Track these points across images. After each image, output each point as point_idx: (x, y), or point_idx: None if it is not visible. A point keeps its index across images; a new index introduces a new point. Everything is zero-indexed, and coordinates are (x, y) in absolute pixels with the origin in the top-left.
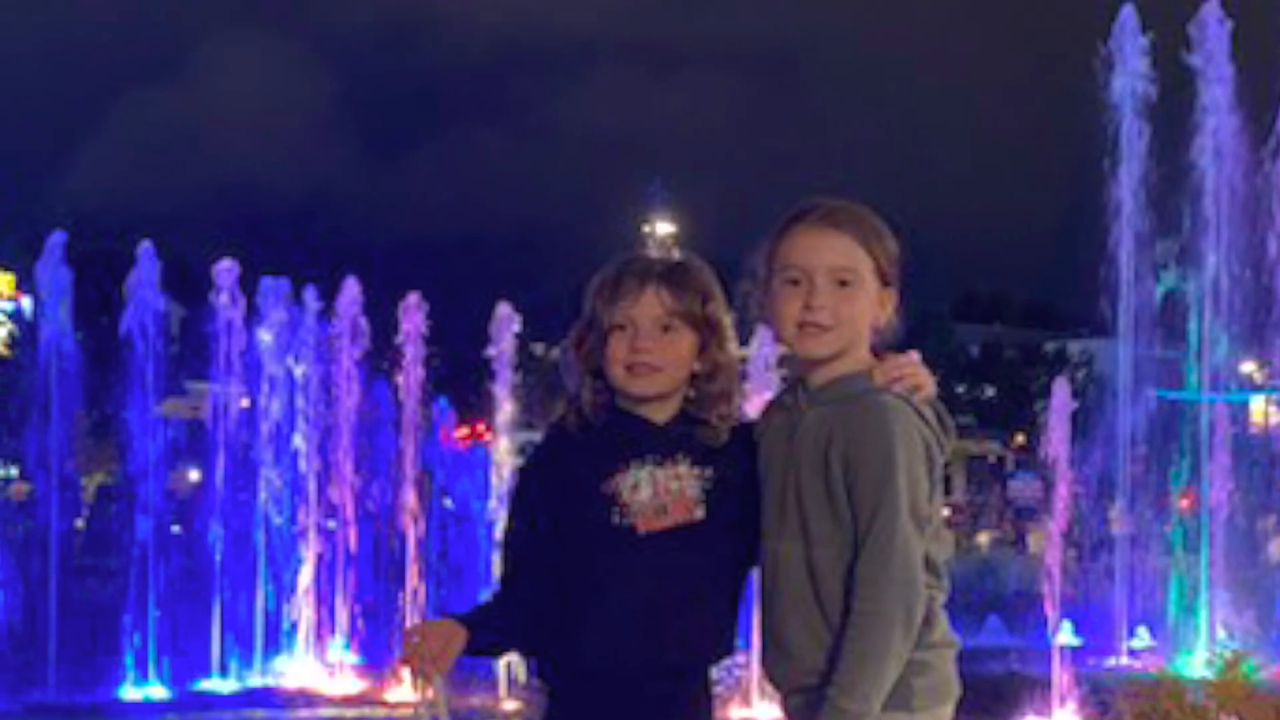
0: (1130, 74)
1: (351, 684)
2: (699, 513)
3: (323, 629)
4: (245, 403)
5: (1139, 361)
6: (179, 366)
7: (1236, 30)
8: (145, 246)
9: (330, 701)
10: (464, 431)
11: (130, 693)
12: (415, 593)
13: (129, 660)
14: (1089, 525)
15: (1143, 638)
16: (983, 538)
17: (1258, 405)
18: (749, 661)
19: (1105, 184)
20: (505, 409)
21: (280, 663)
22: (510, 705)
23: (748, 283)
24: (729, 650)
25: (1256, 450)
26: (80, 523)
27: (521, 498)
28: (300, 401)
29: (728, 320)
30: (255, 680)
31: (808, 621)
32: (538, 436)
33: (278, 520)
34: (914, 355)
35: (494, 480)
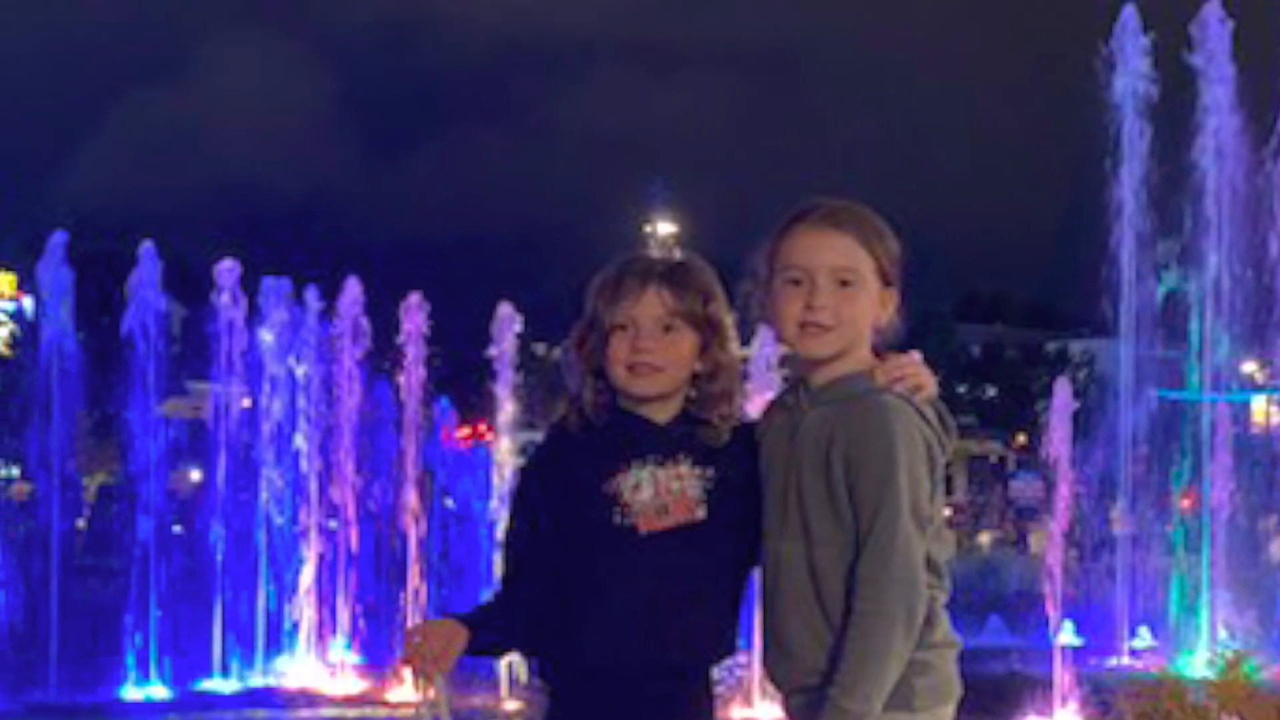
0: (1131, 74)
1: (353, 684)
2: (700, 513)
3: (324, 629)
4: (247, 403)
5: (1140, 361)
6: (180, 366)
7: (1238, 30)
8: (146, 246)
9: (332, 701)
10: (465, 431)
11: (132, 693)
12: (417, 593)
13: (130, 660)
14: (1090, 525)
15: (1144, 638)
16: (984, 538)
17: (1259, 405)
18: (750, 661)
19: (1107, 184)
20: (507, 409)
21: (282, 663)
22: (511, 705)
23: (749, 283)
24: (730, 650)
25: (1258, 450)
26: (82, 523)
27: (523, 498)
28: (302, 401)
29: (729, 320)
30: (257, 680)
31: (809, 621)
32: (539, 436)
33: (279, 520)
34: (915, 355)
35: (495, 480)
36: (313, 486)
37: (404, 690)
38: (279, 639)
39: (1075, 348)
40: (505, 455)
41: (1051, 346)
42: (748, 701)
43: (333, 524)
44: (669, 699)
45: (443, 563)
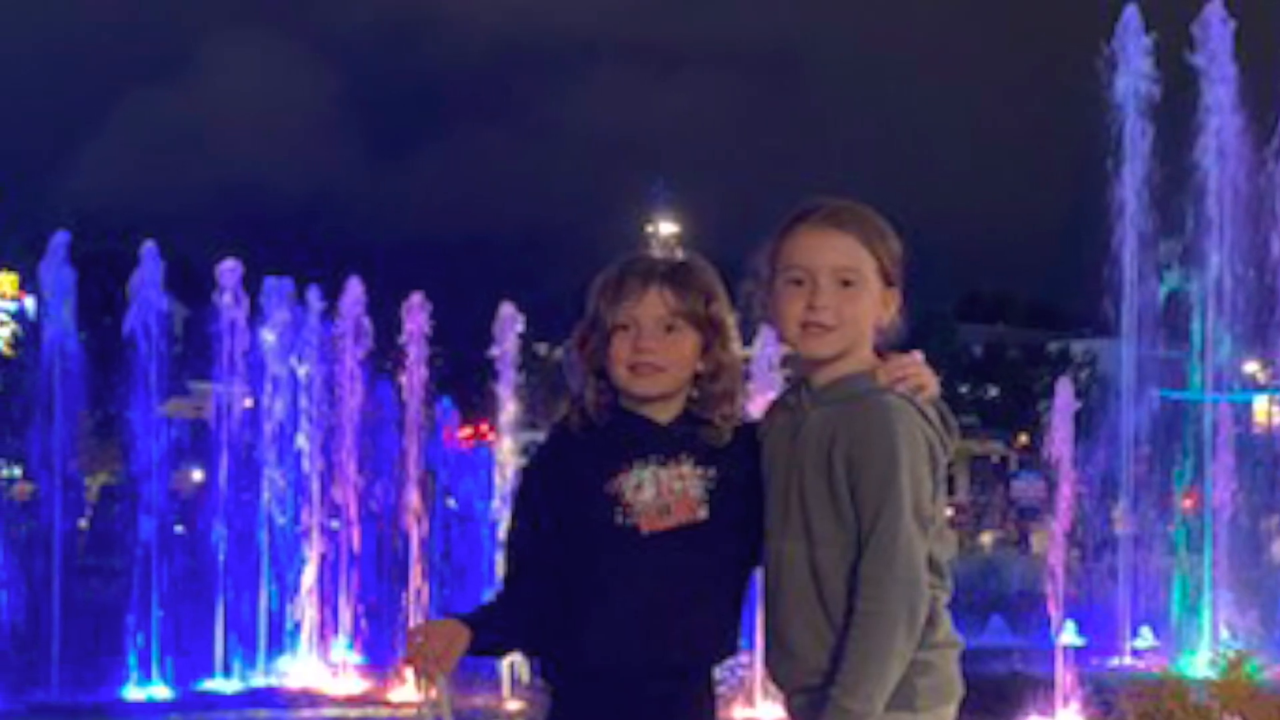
0: (1133, 74)
1: (355, 684)
2: (702, 513)
3: (326, 629)
4: (248, 403)
5: (1142, 361)
6: (182, 366)
7: (1240, 30)
8: (148, 246)
9: (333, 701)
10: (467, 431)
11: (133, 693)
12: (418, 593)
13: (132, 660)
14: (1092, 525)
15: (1146, 638)
16: (986, 538)
17: (1261, 405)
18: (752, 661)
19: (1109, 184)
20: (508, 409)
21: (283, 663)
22: (513, 705)
23: (751, 283)
24: (732, 650)
25: (1260, 450)
26: (84, 523)
27: (524, 498)
28: (303, 401)
29: (731, 320)
30: (258, 680)
31: (811, 621)
32: (541, 436)
33: (281, 520)
34: (917, 355)
35: (497, 480)
36: (315, 486)
37: (406, 690)
38: (281, 639)
39: (1077, 348)
40: (507, 455)
41: (1053, 346)
42: (750, 701)
43: (335, 524)
44: (671, 699)
45: (445, 563)
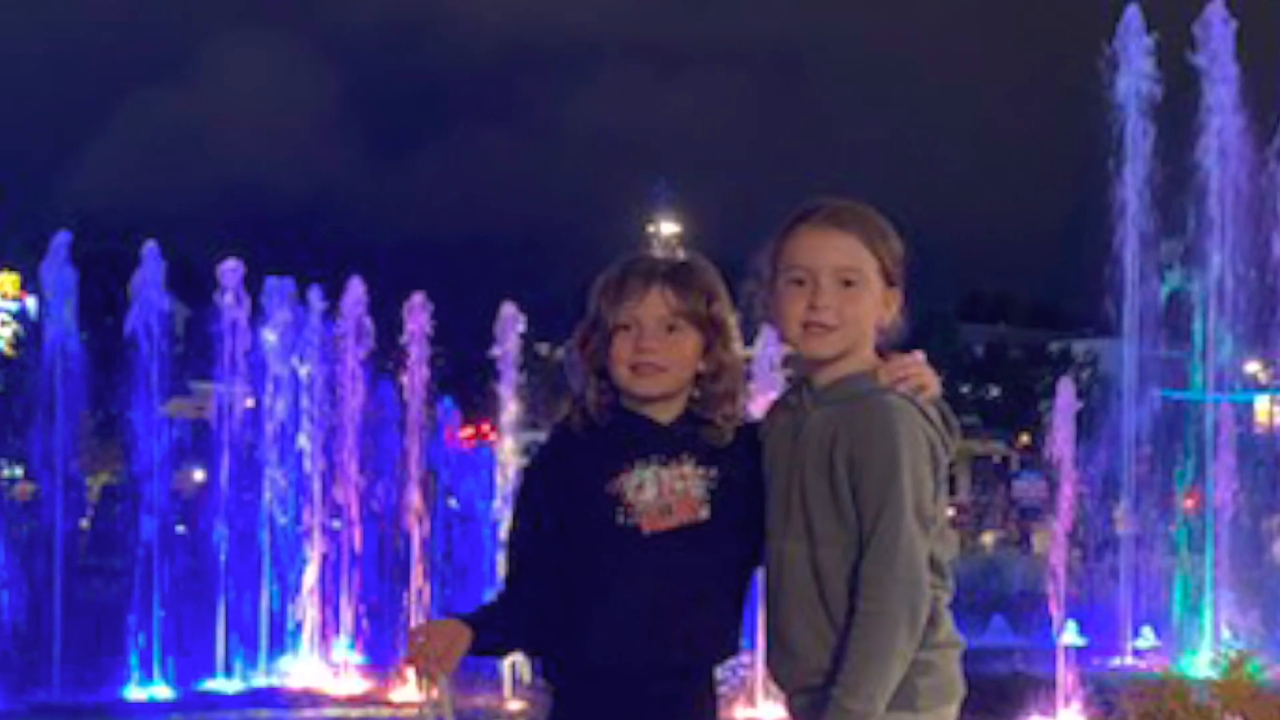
0: (1135, 74)
1: (356, 684)
2: (704, 513)
3: (327, 629)
4: (250, 403)
5: (1144, 361)
6: (184, 366)
7: (1241, 30)
8: (150, 246)
9: (335, 701)
10: (469, 431)
11: (135, 693)
12: (420, 593)
13: (134, 660)
14: (1094, 525)
15: (1147, 638)
16: (987, 538)
17: (1262, 405)
18: (754, 661)
19: (1110, 184)
20: (510, 409)
21: (285, 663)
22: (515, 705)
23: (752, 282)
24: (734, 650)
25: (1261, 450)
26: (85, 523)
27: (526, 498)
28: (305, 401)
29: (732, 320)
30: (260, 680)
31: (812, 621)
32: (542, 436)
33: (282, 520)
34: (919, 355)
35: (499, 480)
36: (316, 486)
37: (407, 690)
38: (282, 639)
39: (1079, 348)
40: (508, 455)
41: (1055, 346)
42: (751, 701)
43: (336, 524)
44: (672, 699)
45: (446, 563)
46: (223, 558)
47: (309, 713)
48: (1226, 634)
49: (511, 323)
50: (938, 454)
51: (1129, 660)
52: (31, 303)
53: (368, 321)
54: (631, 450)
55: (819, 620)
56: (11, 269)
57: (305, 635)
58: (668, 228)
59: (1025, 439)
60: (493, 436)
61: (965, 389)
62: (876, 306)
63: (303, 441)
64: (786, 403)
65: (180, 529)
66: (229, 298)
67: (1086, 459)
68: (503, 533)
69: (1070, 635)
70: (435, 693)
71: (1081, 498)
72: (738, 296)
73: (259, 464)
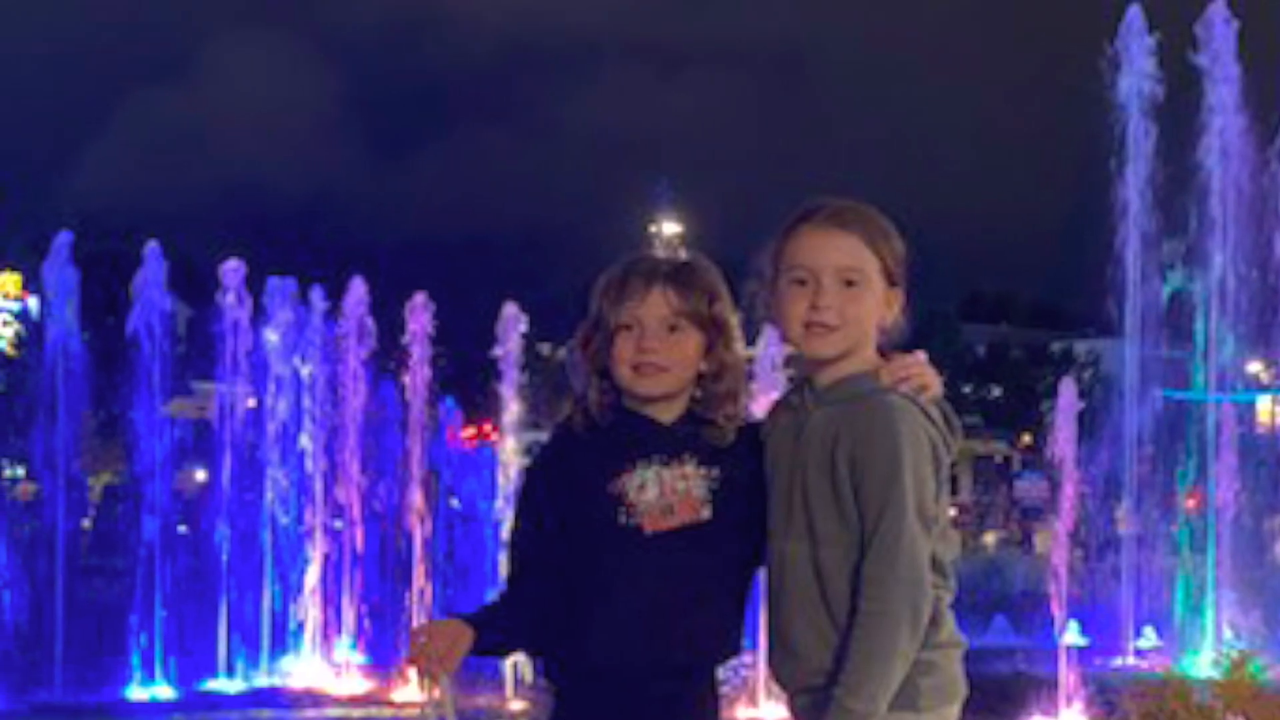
0: (1137, 74)
1: (358, 684)
2: (705, 513)
3: (329, 629)
4: (252, 403)
5: (1145, 361)
6: (185, 366)
7: (1243, 30)
8: (152, 246)
9: (337, 701)
10: (470, 431)
11: (136, 693)
12: (422, 593)
13: (135, 660)
14: (1095, 525)
15: (1149, 638)
16: (989, 538)
17: (1264, 405)
18: (756, 661)
19: (1112, 184)
20: (512, 409)
21: (287, 663)
22: (516, 705)
23: (754, 282)
24: (735, 650)
25: (1263, 450)
26: (87, 523)
27: (528, 498)
28: (307, 401)
29: (734, 320)
30: (262, 680)
31: (814, 621)
32: (544, 436)
33: (284, 520)
34: (920, 355)
35: (500, 480)
36: (318, 486)
37: (409, 690)
38: (284, 639)
39: (1080, 348)
40: (510, 455)
41: (1057, 346)
42: (753, 701)
43: (338, 524)
44: (674, 699)
45: (448, 563)
46: (224, 558)
47: (311, 713)
48: (1228, 634)
49: (513, 323)
50: (939, 454)
51: (1131, 660)
52: (33, 303)
53: (369, 321)
54: (633, 450)
55: (821, 620)
56: (13, 269)
57: (307, 635)
58: (669, 228)
59: (1027, 439)
60: (494, 436)
61: (967, 389)
62: (878, 306)
63: (304, 441)
64: (788, 403)
65: (182, 529)
66: (231, 298)
67: (1088, 459)
68: (504, 533)
69: (1072, 635)
70: (437, 693)
71: (1083, 498)
72: (739, 296)
73: (261, 464)
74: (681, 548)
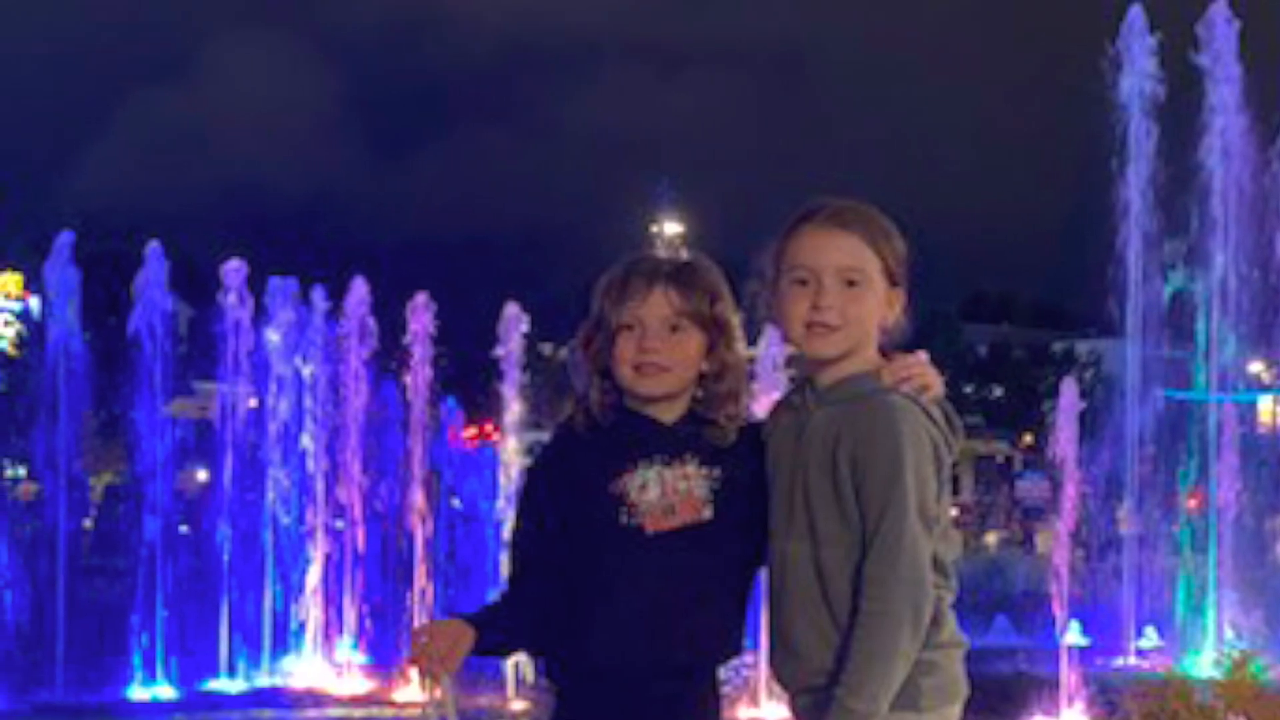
0: (1138, 74)
1: (359, 684)
2: (707, 513)
3: (331, 629)
4: (253, 403)
5: (1147, 361)
6: (187, 366)
7: (1244, 30)
8: (153, 247)
9: (338, 701)
10: (472, 431)
11: (138, 693)
12: (423, 592)
13: (137, 660)
14: (1097, 525)
15: (1150, 638)
16: (991, 538)
17: (1265, 405)
18: (757, 661)
19: (1113, 184)
20: (513, 409)
21: (288, 663)
22: (518, 705)
23: (755, 283)
24: (737, 650)
25: (1264, 450)
26: (88, 523)
27: (529, 498)
28: (308, 401)
29: (736, 320)
30: (263, 680)
31: (815, 621)
32: (546, 436)
33: (286, 520)
34: (922, 355)
35: (502, 480)
36: (319, 486)
37: (410, 690)
38: (285, 639)
39: (1082, 348)
40: (512, 455)
41: (1058, 346)
42: (754, 701)
43: (339, 524)
44: (675, 699)
45: (449, 563)
46: (226, 558)
47: (312, 713)
48: (1230, 634)
49: (514, 323)
50: (941, 454)
51: (1132, 660)
52: (35, 303)
53: (371, 321)
54: (635, 450)
55: (822, 620)
56: (15, 269)
57: (308, 635)
58: (670, 227)
59: (1028, 439)
60: (496, 436)
61: (968, 389)
62: (880, 306)
63: (306, 441)
64: (790, 403)
65: (183, 529)
66: (232, 298)
67: (1090, 459)
68: (506, 533)
69: (1073, 635)
70: (438, 693)
71: (1085, 498)
72: (741, 296)
73: (262, 464)
74: (683, 548)
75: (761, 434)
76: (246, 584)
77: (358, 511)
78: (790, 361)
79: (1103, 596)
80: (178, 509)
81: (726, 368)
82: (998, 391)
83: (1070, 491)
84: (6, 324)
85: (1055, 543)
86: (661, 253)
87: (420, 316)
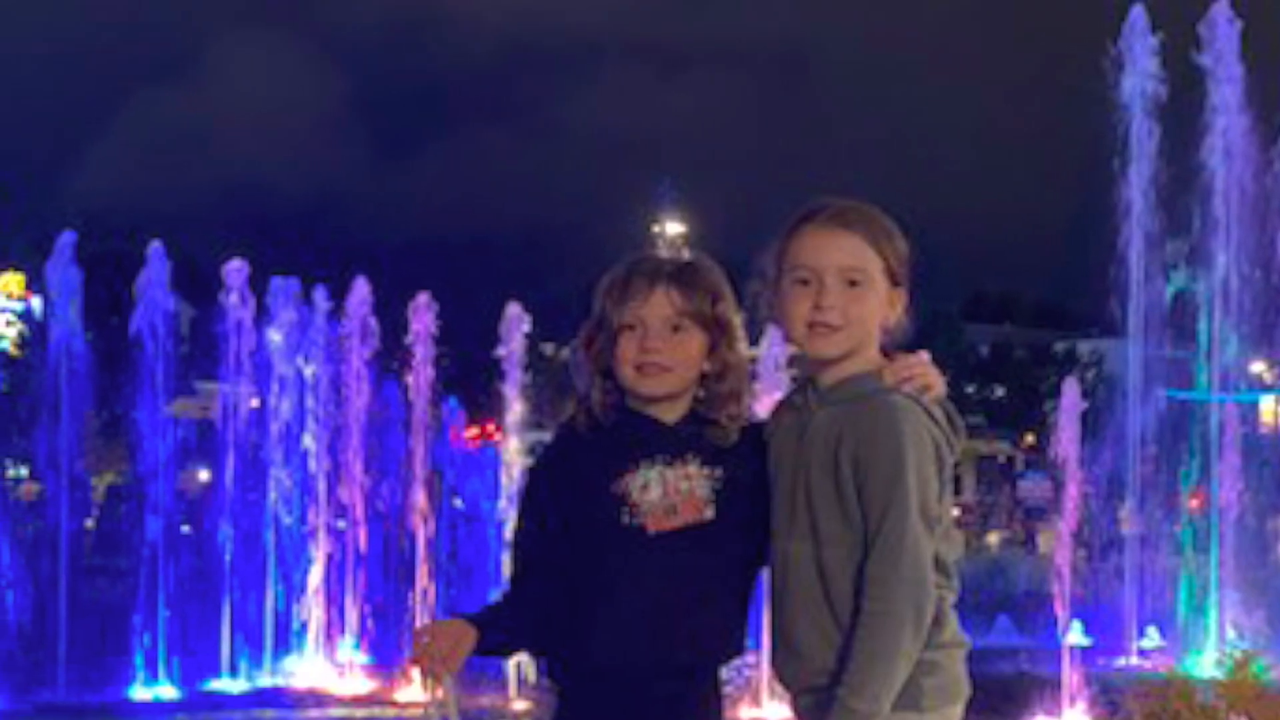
0: (1140, 74)
1: (361, 684)
2: (709, 513)
3: (332, 629)
4: (255, 403)
5: (1149, 361)
6: (189, 366)
7: (1246, 30)
8: (155, 246)
9: (340, 701)
10: (474, 431)
11: (140, 693)
12: (425, 593)
13: (139, 660)
14: (1099, 525)
15: (1152, 638)
16: (992, 538)
17: (1267, 405)
18: (759, 661)
19: (1115, 184)
20: (515, 409)
21: (290, 663)
22: (520, 705)
23: (757, 282)
24: (739, 650)
25: (1266, 450)
26: (90, 523)
27: (531, 498)
28: (310, 401)
29: (737, 320)
30: (265, 680)
31: (817, 621)
32: (547, 436)
33: (287, 520)
34: (924, 355)
35: (504, 480)
36: (321, 486)
37: (412, 690)
38: (287, 639)
39: (1084, 348)
40: (513, 455)
41: (1060, 346)
42: (756, 701)
43: (341, 524)
44: (677, 699)
45: (451, 563)
46: (228, 558)
47: (314, 713)
48: (1231, 634)
49: (516, 323)
50: (943, 454)
51: (1134, 660)
52: (36, 303)
53: (372, 321)
54: (637, 450)
55: (824, 620)
56: (16, 269)
57: (310, 635)
58: (672, 228)
59: (1030, 439)
60: (498, 436)
61: (970, 389)
62: (881, 306)
63: (308, 441)
64: (791, 403)
65: (185, 529)
66: (234, 298)
67: (1091, 459)
68: (508, 533)
69: (1075, 635)
70: (440, 693)
71: (1086, 498)
72: (743, 296)
73: (264, 464)
74: (685, 548)
75: (763, 434)
76: (248, 584)
77: (359, 511)
78: (792, 361)
79: (1105, 596)
80: (180, 509)
81: (728, 368)
82: (999, 391)
83: (1072, 491)
84: (8, 324)
85: (1057, 543)
86: (663, 253)
87: (422, 316)
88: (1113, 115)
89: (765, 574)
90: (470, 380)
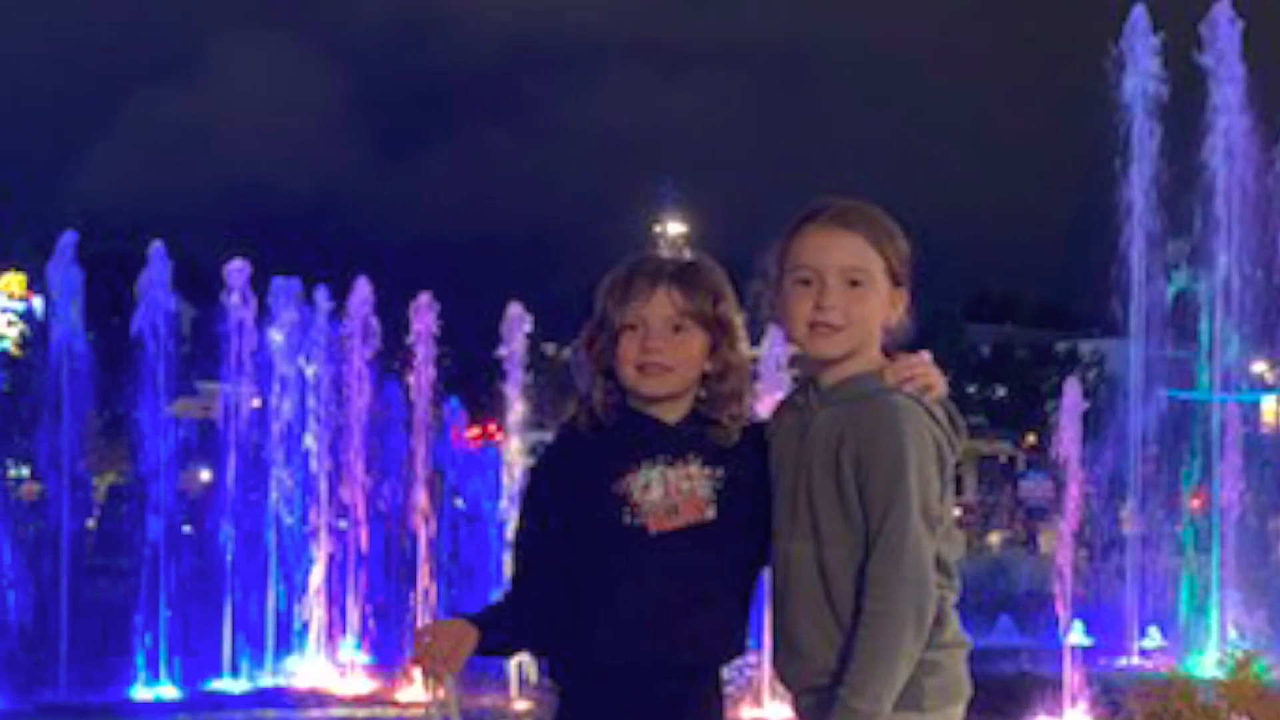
0: (1141, 74)
1: (363, 684)
2: (710, 513)
3: (334, 629)
4: (256, 403)
5: (1150, 361)
6: (190, 366)
7: (1248, 30)
8: (156, 246)
9: (341, 701)
10: (475, 431)
11: (141, 693)
12: (426, 593)
13: (140, 660)
14: (1100, 525)
15: (1154, 638)
16: (994, 538)
17: (1269, 405)
18: (760, 661)
19: (1116, 184)
20: (516, 409)
21: (291, 663)
22: (521, 705)
23: (759, 283)
24: (740, 650)
25: (1268, 450)
26: (91, 523)
27: (532, 498)
28: (311, 401)
29: (739, 320)
30: (266, 680)
31: (819, 621)
32: (549, 436)
33: (289, 520)
34: (925, 355)
35: (505, 480)
36: (322, 486)
37: (414, 690)
38: (289, 639)
39: (1085, 348)
40: (515, 455)
41: (1061, 346)
42: (758, 701)
43: (342, 524)
44: (679, 699)
45: (452, 563)
46: (229, 558)
47: (315, 713)
48: (1233, 634)
49: (518, 323)
50: (944, 454)
51: (1135, 660)
52: (38, 303)
53: (374, 321)
54: (638, 450)
55: (825, 620)
56: (18, 269)
57: (312, 635)
58: (674, 228)
59: (1032, 439)
60: (499, 436)
61: (972, 389)
62: (883, 306)
63: (309, 441)
64: (793, 403)
65: (187, 529)
66: (235, 298)
67: (1093, 459)
68: (509, 533)
69: (1077, 635)
70: (442, 693)
71: (1088, 498)
72: (744, 296)
73: (265, 464)
74: (686, 548)
75: (765, 434)
76: (250, 584)
77: (361, 511)
78: (793, 361)
79: (1106, 596)
80: (181, 509)
81: (730, 368)
82: (1001, 391)
83: (1073, 491)
84: (10, 324)
85: (1058, 543)
86: (665, 253)
87: (423, 316)
88: (1114, 115)
89: (767, 574)
90: (472, 380)
